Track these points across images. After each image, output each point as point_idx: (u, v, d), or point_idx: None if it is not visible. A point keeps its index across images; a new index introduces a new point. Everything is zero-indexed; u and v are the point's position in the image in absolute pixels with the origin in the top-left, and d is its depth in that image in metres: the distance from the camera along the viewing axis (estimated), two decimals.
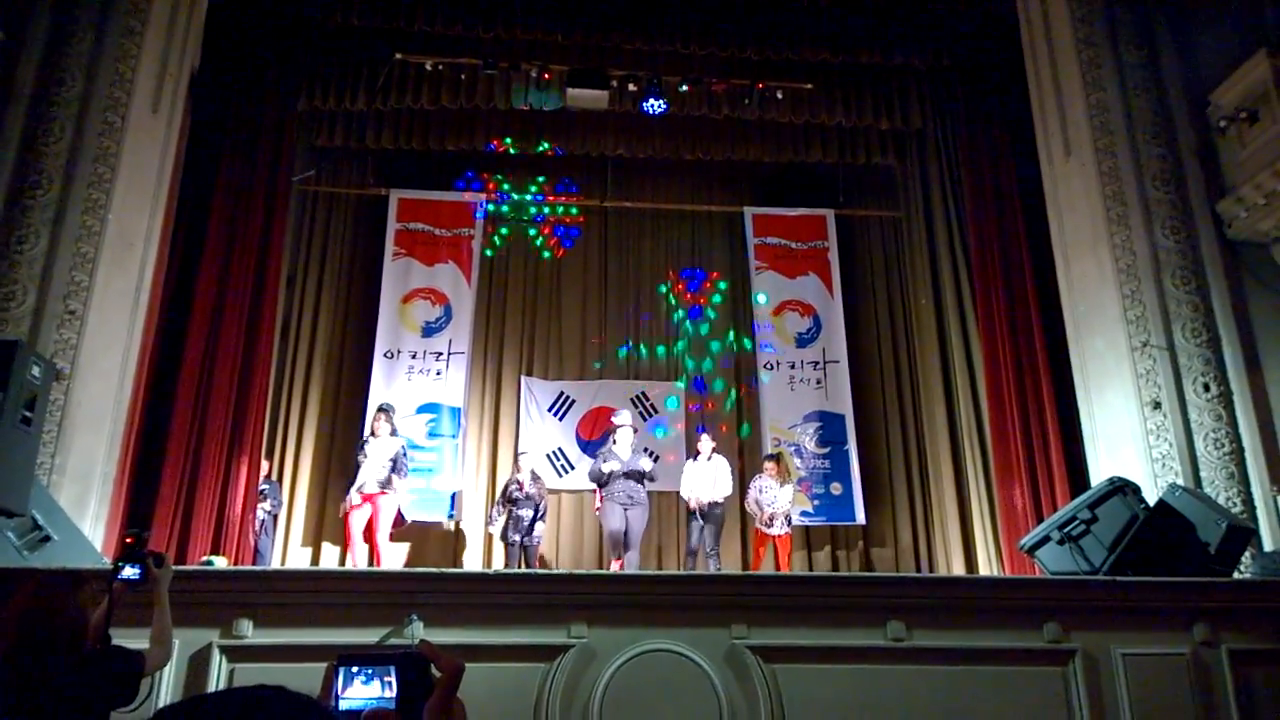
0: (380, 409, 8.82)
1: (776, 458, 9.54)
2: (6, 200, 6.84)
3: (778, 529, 9.03)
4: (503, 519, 9.01)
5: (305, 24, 9.43)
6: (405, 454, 8.62)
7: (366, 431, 8.88)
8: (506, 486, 9.11)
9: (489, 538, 10.07)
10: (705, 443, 9.01)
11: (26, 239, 6.78)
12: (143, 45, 7.61)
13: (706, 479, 8.81)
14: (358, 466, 8.52)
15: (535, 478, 9.13)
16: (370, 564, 8.44)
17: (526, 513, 8.83)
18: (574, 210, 11.49)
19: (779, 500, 9.02)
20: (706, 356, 11.21)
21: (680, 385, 10.88)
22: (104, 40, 7.44)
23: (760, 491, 9.09)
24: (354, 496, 8.39)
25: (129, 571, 2.98)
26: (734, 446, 10.66)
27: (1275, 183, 7.05)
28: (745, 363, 11.14)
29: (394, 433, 8.63)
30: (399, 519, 8.86)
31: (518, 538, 8.77)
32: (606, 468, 8.44)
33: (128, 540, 3.10)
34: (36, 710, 2.38)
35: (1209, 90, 7.78)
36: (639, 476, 8.46)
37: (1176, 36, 8.11)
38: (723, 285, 11.49)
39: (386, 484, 8.36)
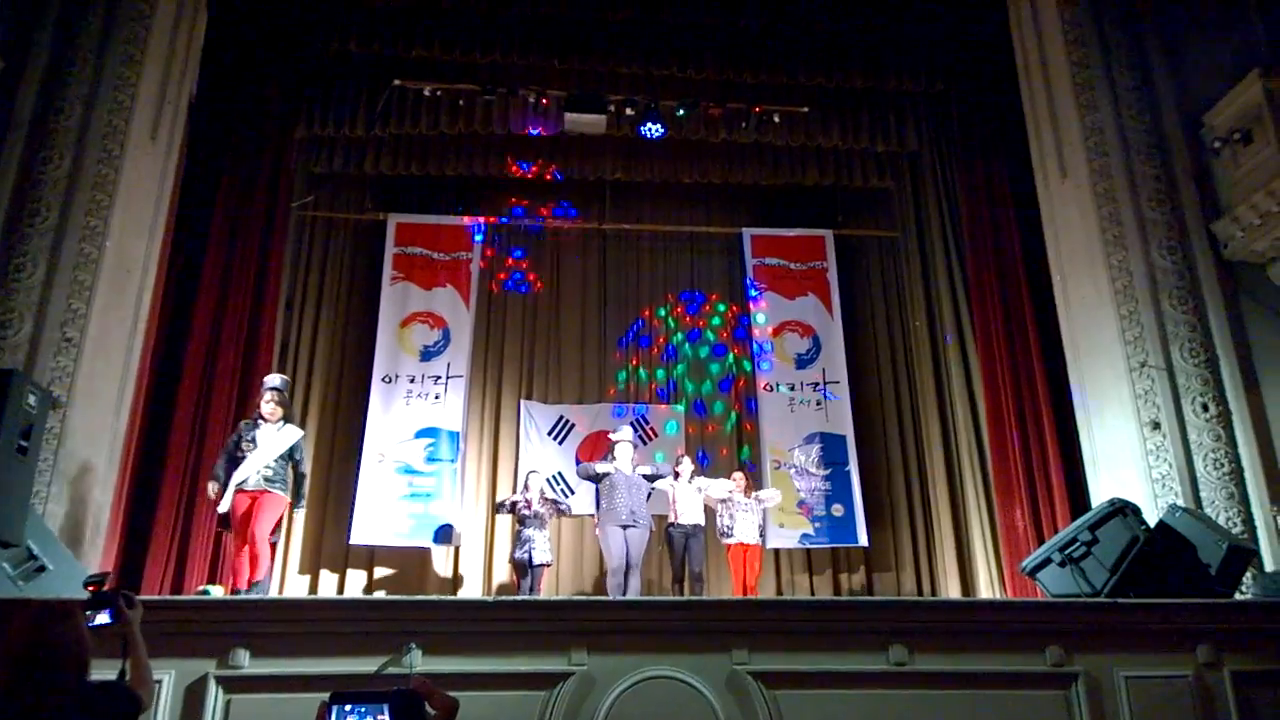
0: (272, 387, 7.08)
1: (744, 473, 9.49)
2: (4, 228, 6.85)
3: (739, 537, 8.84)
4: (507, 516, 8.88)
5: (304, 51, 9.48)
6: (299, 446, 6.99)
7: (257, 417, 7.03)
8: (514, 505, 8.89)
9: (489, 563, 10.03)
10: (685, 465, 8.91)
11: (24, 267, 6.78)
12: (141, 73, 7.64)
13: (686, 500, 8.73)
14: (235, 457, 6.77)
15: (545, 498, 8.95)
16: (246, 570, 6.63)
17: (534, 533, 8.62)
18: (572, 233, 11.51)
19: (743, 504, 8.90)
20: (706, 379, 11.20)
21: (680, 409, 10.86)
22: (103, 68, 7.48)
23: (731, 504, 8.93)
24: (227, 499, 6.65)
25: (101, 618, 2.89)
26: (734, 469, 10.62)
27: (1270, 203, 7.07)
28: (745, 385, 11.13)
29: (287, 419, 6.99)
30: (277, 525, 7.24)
31: (526, 557, 8.55)
32: (600, 468, 8.33)
33: (90, 588, 3.03)
34: None
35: (1203, 111, 7.83)
36: (649, 479, 8.39)
37: (1169, 58, 8.17)
38: (721, 307, 11.51)
39: (274, 481, 6.72)
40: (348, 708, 1.22)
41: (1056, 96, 8.45)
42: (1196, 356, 7.21)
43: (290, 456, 6.87)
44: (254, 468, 6.67)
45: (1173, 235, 7.58)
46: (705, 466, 10.41)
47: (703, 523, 8.71)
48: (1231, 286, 7.48)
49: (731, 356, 11.32)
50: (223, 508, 6.73)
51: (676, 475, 8.81)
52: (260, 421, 6.89)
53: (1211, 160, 7.78)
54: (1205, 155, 7.83)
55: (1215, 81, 7.76)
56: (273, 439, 6.82)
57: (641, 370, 11.12)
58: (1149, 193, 7.72)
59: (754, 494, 9.13)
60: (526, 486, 8.98)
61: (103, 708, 2.55)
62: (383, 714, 1.22)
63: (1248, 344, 7.29)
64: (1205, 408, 7.08)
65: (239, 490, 6.66)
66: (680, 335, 11.31)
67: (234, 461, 6.75)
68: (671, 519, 8.72)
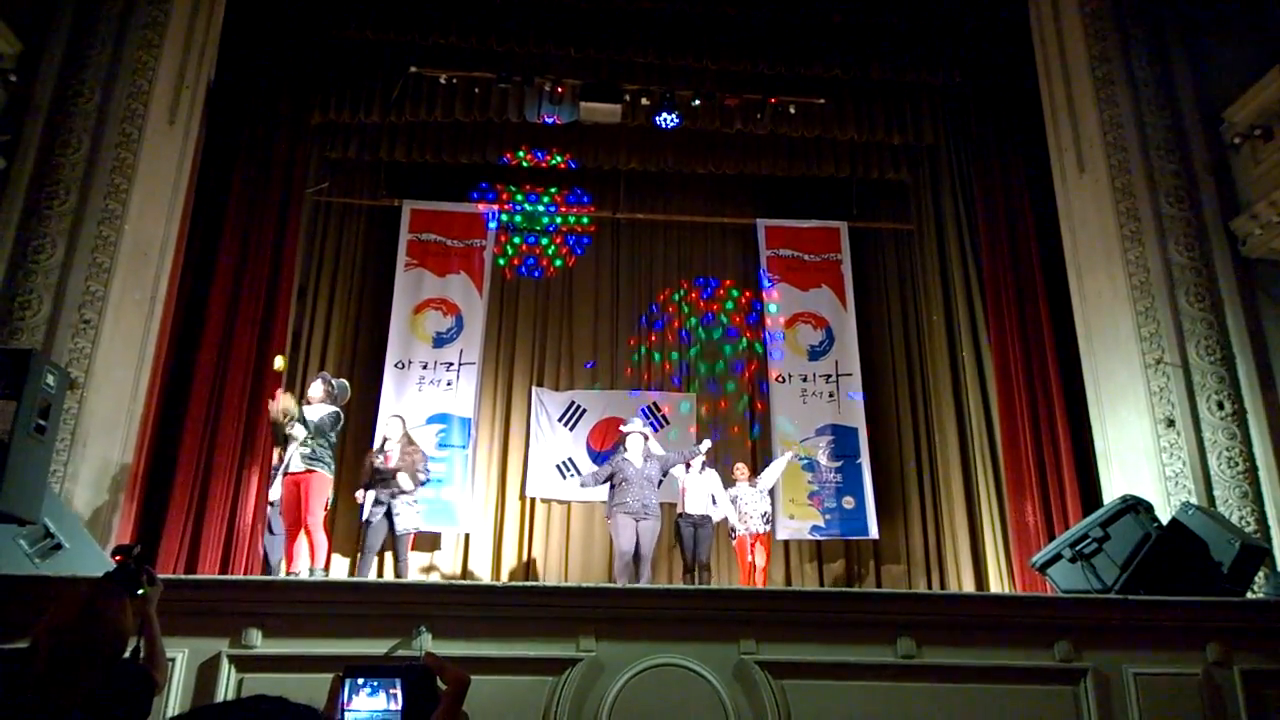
0: (320, 378, 7.71)
1: (753, 461, 9.49)
2: (24, 210, 6.91)
3: (754, 526, 8.85)
4: (369, 497, 7.81)
5: (321, 37, 9.49)
6: (338, 421, 7.36)
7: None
8: (370, 458, 8.01)
9: (497, 548, 10.07)
10: (698, 457, 8.92)
11: (43, 249, 6.84)
12: (160, 58, 7.68)
13: (695, 491, 8.74)
14: (284, 442, 7.26)
15: (409, 444, 7.93)
16: (308, 558, 7.17)
17: (391, 490, 7.71)
18: (585, 220, 11.53)
19: (748, 496, 8.91)
20: (719, 359, 11.21)
21: (692, 393, 10.87)
22: (122, 53, 7.52)
23: (738, 501, 8.94)
24: (274, 486, 7.17)
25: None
26: (746, 448, 10.64)
27: None
28: (757, 367, 11.12)
29: (330, 400, 7.49)
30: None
31: (380, 521, 7.69)
32: (606, 471, 8.33)
33: (116, 558, 3.05)
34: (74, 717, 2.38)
35: (1223, 107, 7.77)
36: (660, 472, 8.36)
37: (1190, 53, 8.11)
38: (735, 293, 11.51)
39: (317, 460, 7.08)
40: (361, 681, 1.23)
41: (1075, 90, 8.40)
42: (1213, 354, 7.17)
43: (323, 427, 7.20)
44: (294, 449, 7.10)
45: (1190, 231, 7.53)
46: (717, 441, 10.46)
47: (710, 513, 8.72)
48: (1249, 284, 7.43)
49: (745, 341, 11.32)
50: (273, 496, 7.25)
51: (688, 466, 8.80)
52: (305, 406, 7.35)
53: (1231, 156, 7.74)
54: (1225, 151, 7.79)
55: (1236, 77, 7.70)
56: (309, 417, 7.21)
57: (655, 354, 11.12)
58: (1167, 188, 7.67)
59: (756, 482, 9.11)
60: (385, 438, 7.99)
61: (123, 686, 2.58)
62: (395, 688, 1.23)
63: (1265, 342, 7.25)
64: (1220, 405, 7.04)
65: (286, 474, 7.13)
66: (694, 320, 11.31)
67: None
68: (680, 509, 8.74)
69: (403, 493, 7.67)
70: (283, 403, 7.28)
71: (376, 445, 8.13)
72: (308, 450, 7.06)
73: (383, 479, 7.75)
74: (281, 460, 7.50)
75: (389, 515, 7.69)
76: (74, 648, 2.42)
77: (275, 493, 7.21)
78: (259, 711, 0.96)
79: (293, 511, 7.17)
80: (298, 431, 7.13)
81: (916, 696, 4.57)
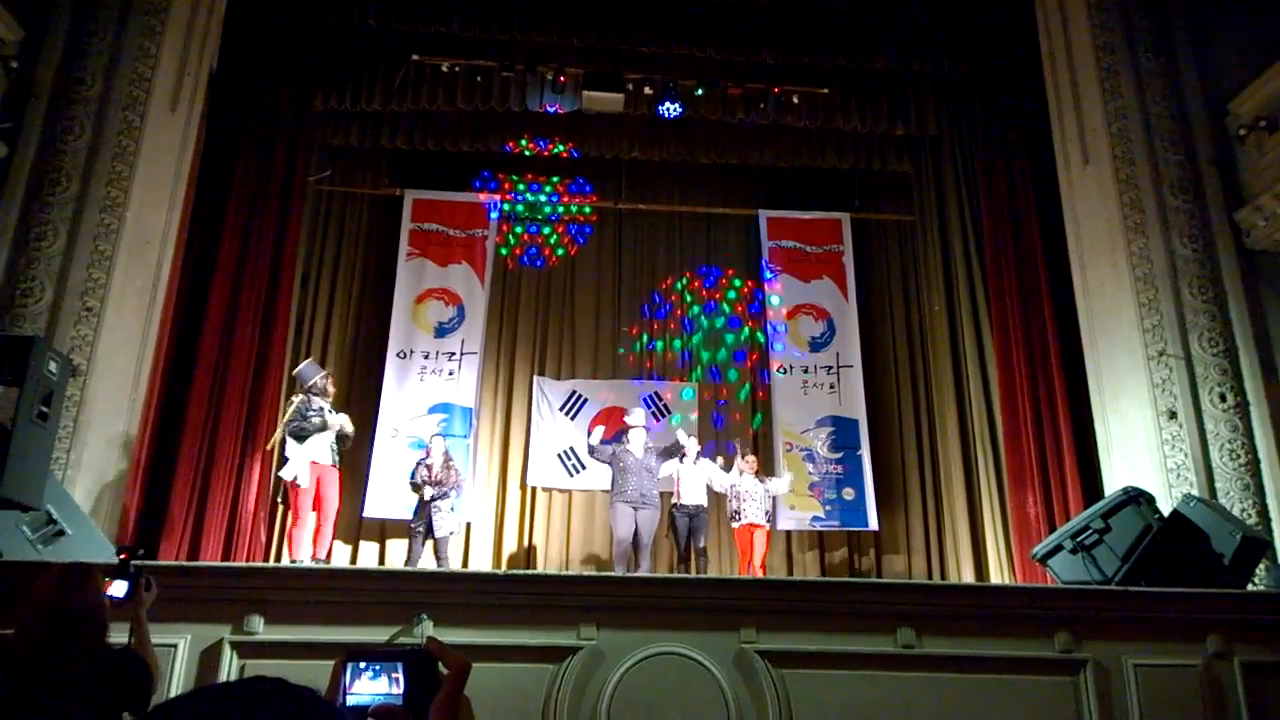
0: (326, 374, 7.89)
1: (756, 452, 9.47)
2: (26, 197, 6.91)
3: (748, 518, 8.83)
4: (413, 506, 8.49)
5: (323, 25, 9.47)
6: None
7: (318, 398, 7.62)
8: (414, 471, 8.56)
9: (498, 538, 10.08)
10: (691, 445, 8.91)
11: (45, 236, 6.84)
12: (162, 45, 7.67)
13: (690, 481, 8.74)
14: (303, 430, 7.34)
15: (448, 461, 8.54)
16: (310, 545, 7.39)
17: (437, 501, 8.25)
18: (587, 210, 11.51)
19: (752, 488, 8.88)
20: (721, 347, 11.20)
21: (694, 382, 10.86)
22: (123, 39, 7.50)
23: (738, 489, 8.91)
24: (302, 473, 7.20)
25: (117, 587, 2.91)
26: (747, 437, 10.63)
27: None
28: (759, 356, 11.11)
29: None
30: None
31: (422, 529, 8.24)
32: (605, 447, 8.50)
33: (121, 556, 3.05)
34: (62, 704, 2.38)
35: (1228, 98, 7.75)
36: (670, 452, 8.51)
37: (1195, 44, 8.08)
38: (737, 282, 11.48)
39: (339, 456, 7.55)
40: (362, 665, 1.23)
41: (1080, 81, 8.37)
42: (1215, 346, 7.16)
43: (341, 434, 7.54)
44: (323, 444, 7.33)
45: (1194, 223, 7.52)
46: (719, 428, 10.51)
47: (705, 503, 8.71)
48: (1253, 276, 7.42)
49: (746, 331, 11.31)
50: (303, 483, 7.24)
51: (682, 457, 8.80)
52: (326, 400, 7.53)
53: (1235, 148, 7.71)
54: (1229, 143, 7.76)
55: (1241, 68, 7.68)
56: (334, 416, 7.50)
57: (657, 344, 11.11)
58: (1171, 180, 7.65)
59: (765, 481, 9.12)
60: (428, 453, 8.61)
61: (120, 673, 2.59)
62: (396, 672, 1.23)
63: (1267, 334, 7.24)
64: (1223, 398, 7.03)
65: (314, 463, 7.27)
66: (696, 308, 11.30)
67: (299, 435, 7.32)
68: (675, 500, 8.74)
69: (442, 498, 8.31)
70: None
71: (420, 460, 8.62)
72: (335, 447, 7.44)
73: (424, 490, 8.32)
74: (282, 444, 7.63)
75: (429, 523, 8.20)
76: (49, 631, 2.43)
77: (306, 481, 7.28)
78: (259, 692, 0.95)
79: (308, 499, 7.32)
80: (331, 420, 7.43)
81: (916, 686, 4.58)
